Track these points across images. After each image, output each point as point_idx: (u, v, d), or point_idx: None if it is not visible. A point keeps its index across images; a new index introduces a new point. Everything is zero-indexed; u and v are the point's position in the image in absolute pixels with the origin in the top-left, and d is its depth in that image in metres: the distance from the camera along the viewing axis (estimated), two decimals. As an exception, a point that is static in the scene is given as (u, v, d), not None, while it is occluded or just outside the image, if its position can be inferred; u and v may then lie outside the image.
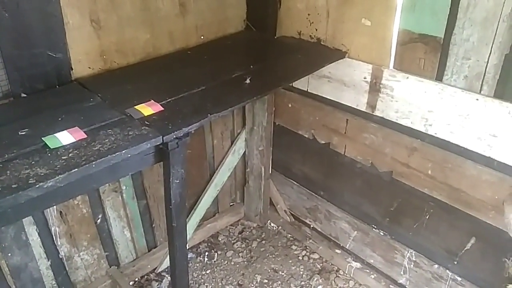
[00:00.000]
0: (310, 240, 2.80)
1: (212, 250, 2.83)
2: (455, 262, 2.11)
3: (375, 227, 2.43)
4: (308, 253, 2.77)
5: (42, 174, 1.21)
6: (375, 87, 2.07)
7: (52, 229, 2.09)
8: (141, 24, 2.02)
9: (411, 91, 1.95)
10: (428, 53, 1.87)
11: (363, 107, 2.17)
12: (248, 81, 1.85)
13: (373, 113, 2.13)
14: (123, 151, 1.36)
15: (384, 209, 2.34)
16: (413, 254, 2.28)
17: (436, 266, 2.19)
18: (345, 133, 2.33)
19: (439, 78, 1.86)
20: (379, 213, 2.38)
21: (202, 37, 2.32)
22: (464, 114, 1.80)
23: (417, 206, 2.17)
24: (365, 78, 2.09)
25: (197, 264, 2.72)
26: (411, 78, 1.93)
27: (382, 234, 2.40)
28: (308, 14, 2.25)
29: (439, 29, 1.80)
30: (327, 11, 2.16)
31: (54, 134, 1.39)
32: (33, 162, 1.27)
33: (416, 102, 1.95)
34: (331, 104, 2.33)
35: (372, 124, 2.18)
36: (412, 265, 2.30)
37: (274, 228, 3.01)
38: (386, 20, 1.94)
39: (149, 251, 2.66)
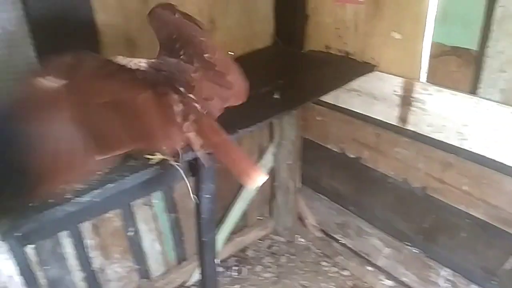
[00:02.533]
0: (341, 257, 2.75)
1: (241, 265, 2.82)
2: (494, 282, 2.01)
3: (409, 244, 2.35)
4: (338, 270, 2.72)
5: (78, 189, 1.25)
6: (406, 101, 2.04)
7: (86, 241, 2.15)
8: (173, 42, 2.07)
9: (445, 105, 1.90)
10: (462, 66, 1.83)
11: (394, 121, 2.13)
12: (276, 96, 1.86)
13: (405, 127, 2.09)
14: (156, 167, 1.38)
15: (417, 225, 2.27)
16: (449, 273, 2.19)
17: (473, 286, 2.10)
18: (376, 147, 2.29)
19: (473, 91, 1.81)
20: (412, 229, 2.31)
21: (230, 53, 2.35)
22: (501, 128, 1.74)
23: (452, 223, 2.09)
24: (396, 91, 2.06)
25: (226, 279, 2.72)
26: (444, 91, 1.89)
27: (416, 251, 2.33)
28: (337, 28, 2.24)
29: (472, 41, 1.75)
30: (355, 24, 2.15)
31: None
32: (69, 178, 1.31)
33: (450, 115, 1.90)
34: (361, 118, 2.30)
35: (404, 138, 2.13)
36: (448, 284, 2.21)
37: (303, 243, 2.98)
38: (417, 33, 1.91)
39: (179, 264, 2.68)
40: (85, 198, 1.23)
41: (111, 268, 2.32)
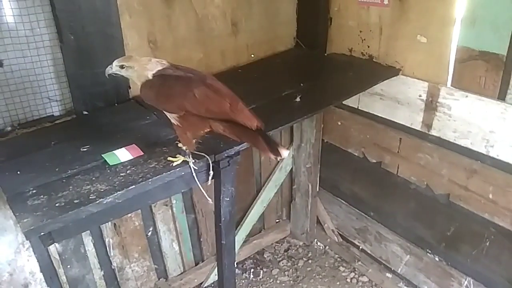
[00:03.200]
0: (359, 262, 2.71)
1: (258, 267, 2.81)
2: (519, 294, 1.96)
3: (430, 251, 2.31)
4: (357, 276, 2.68)
5: (102, 190, 1.27)
6: (431, 106, 1.99)
7: (106, 240, 2.17)
8: (195, 44, 2.08)
9: (471, 110, 1.86)
10: (490, 71, 1.78)
11: (418, 126, 2.09)
12: (298, 99, 1.84)
13: (429, 133, 2.05)
14: (177, 169, 1.39)
15: (440, 233, 2.22)
16: (471, 283, 2.14)
17: (497, 297, 2.05)
18: (398, 152, 2.25)
19: (501, 97, 1.76)
20: (434, 237, 2.26)
21: (252, 56, 2.35)
22: (531, 135, 1.69)
23: (476, 232, 2.04)
24: (420, 96, 2.02)
25: (243, 281, 2.71)
26: (471, 96, 1.84)
27: (438, 259, 2.28)
28: (360, 31, 2.22)
29: (501, 46, 1.71)
30: (380, 28, 2.12)
31: (113, 151, 1.45)
32: (93, 178, 1.32)
33: (476, 122, 1.85)
34: (383, 122, 2.27)
35: (428, 143, 2.09)
36: (470, 294, 2.16)
37: (321, 247, 2.95)
38: (444, 36, 1.87)
39: (196, 265, 2.69)
40: (108, 199, 1.25)
41: (130, 267, 2.35)
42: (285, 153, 1.30)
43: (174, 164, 1.40)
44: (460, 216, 2.09)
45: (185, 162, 1.41)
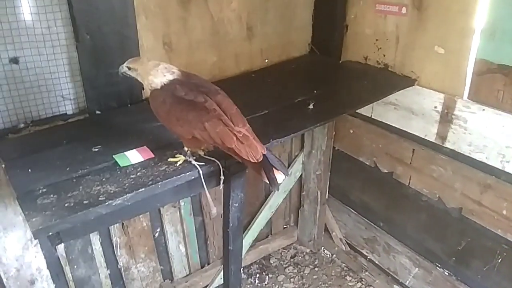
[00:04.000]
0: (366, 272, 2.68)
1: (264, 273, 2.79)
2: (531, 314, 1.91)
3: (439, 265, 2.27)
4: (363, 286, 2.65)
5: (112, 191, 1.26)
6: (446, 118, 1.96)
7: (114, 239, 2.17)
8: (210, 47, 2.08)
9: (487, 124, 1.82)
10: (508, 85, 1.74)
11: (432, 138, 2.06)
12: (311, 106, 1.82)
13: (443, 145, 2.02)
14: (187, 173, 1.38)
15: (450, 247, 2.18)
16: (481, 299, 2.10)
17: (508, 315, 2.00)
18: (410, 163, 2.22)
19: (520, 112, 1.73)
20: (444, 251, 2.22)
21: (266, 60, 2.34)
22: (549, 152, 1.65)
23: (488, 248, 2.00)
24: (436, 107, 1.99)
25: (248, 286, 2.69)
26: (488, 110, 1.81)
27: (447, 274, 2.24)
28: (376, 39, 2.19)
29: (522, 60, 1.67)
30: (397, 37, 2.09)
31: (124, 153, 1.44)
32: (103, 179, 1.32)
33: (492, 136, 1.81)
34: (396, 132, 2.24)
35: (442, 156, 2.05)
36: (479, 312, 2.12)
37: (328, 255, 2.92)
38: (462, 48, 1.84)
39: (201, 267, 2.68)
40: (118, 201, 1.24)
41: (136, 267, 2.34)
42: (280, 178, 1.34)
43: (178, 164, 1.39)
44: (472, 231, 2.05)
45: (193, 166, 1.40)
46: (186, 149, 1.42)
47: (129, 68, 1.38)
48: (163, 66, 1.37)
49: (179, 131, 1.36)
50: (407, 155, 2.22)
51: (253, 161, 1.31)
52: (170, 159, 1.41)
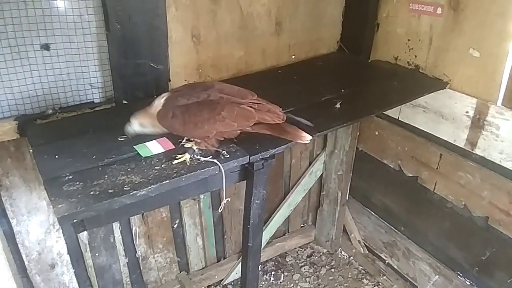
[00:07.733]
0: (384, 277, 2.63)
1: (279, 270, 2.78)
2: (557, 331, 1.84)
3: (461, 274, 2.21)
4: (380, 290, 2.61)
5: (137, 182, 1.26)
6: (478, 123, 1.90)
7: (133, 229, 2.20)
8: (237, 41, 2.06)
9: (521, 133, 1.75)
10: (547, 92, 1.67)
11: (461, 143, 2.00)
12: (338, 105, 1.79)
13: (473, 151, 1.96)
14: (211, 167, 1.37)
15: (473, 256, 2.12)
16: (504, 312, 2.03)
17: (531, 331, 1.94)
18: (437, 168, 2.16)
19: (557, 121, 1.66)
20: (467, 260, 2.16)
21: (293, 56, 2.31)
22: None
23: (514, 260, 1.94)
24: (467, 112, 1.93)
25: (263, 283, 2.68)
26: (523, 118, 1.74)
27: (469, 283, 2.18)
28: (408, 40, 2.14)
29: None
30: (430, 38, 2.03)
31: (145, 143, 1.44)
32: (129, 169, 1.32)
33: (526, 145, 1.75)
34: (424, 135, 2.18)
35: (470, 162, 1.99)
36: (501, 325, 2.06)
37: (345, 257, 2.89)
38: (499, 52, 1.77)
39: (218, 261, 2.68)
40: (142, 192, 1.24)
41: (154, 257, 2.36)
42: (308, 137, 1.42)
43: (181, 160, 1.37)
44: (497, 241, 1.98)
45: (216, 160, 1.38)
46: (190, 145, 1.41)
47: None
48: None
49: (201, 133, 1.37)
50: (434, 160, 2.16)
51: (280, 122, 1.38)
52: (175, 161, 1.37)
